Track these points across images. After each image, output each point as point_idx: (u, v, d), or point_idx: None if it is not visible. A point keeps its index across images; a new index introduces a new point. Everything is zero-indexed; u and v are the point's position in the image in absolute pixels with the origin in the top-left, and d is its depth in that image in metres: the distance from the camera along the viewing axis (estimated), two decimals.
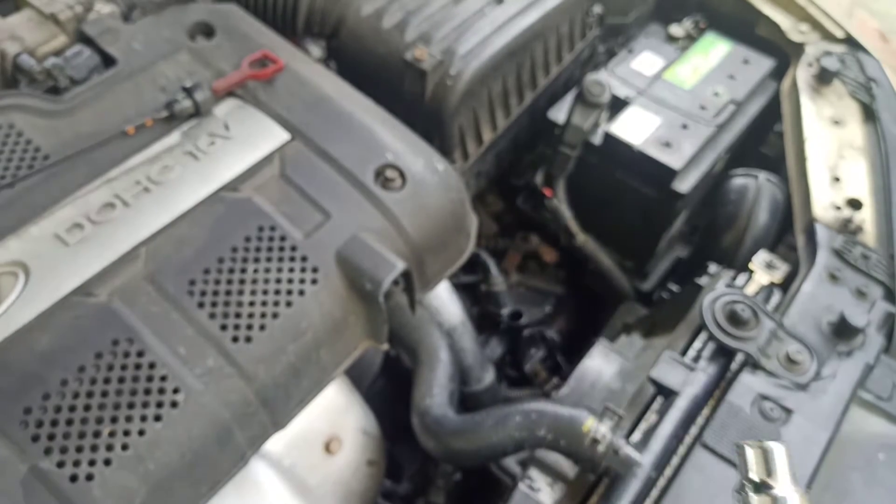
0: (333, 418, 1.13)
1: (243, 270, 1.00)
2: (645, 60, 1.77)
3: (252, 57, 1.21)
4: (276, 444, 1.03)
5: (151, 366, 0.91)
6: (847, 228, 1.34)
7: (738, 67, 1.76)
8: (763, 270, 1.28)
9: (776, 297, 1.27)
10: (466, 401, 1.42)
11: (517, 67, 1.56)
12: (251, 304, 0.98)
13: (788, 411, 1.07)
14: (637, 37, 1.85)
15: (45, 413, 0.85)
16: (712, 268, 1.36)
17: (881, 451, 1.09)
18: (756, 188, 1.59)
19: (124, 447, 0.86)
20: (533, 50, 1.57)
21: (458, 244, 1.22)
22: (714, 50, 1.81)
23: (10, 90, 1.16)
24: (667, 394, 1.11)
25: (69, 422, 0.85)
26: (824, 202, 1.40)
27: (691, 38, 1.88)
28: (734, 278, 1.30)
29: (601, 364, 1.31)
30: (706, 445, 1.02)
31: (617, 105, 1.64)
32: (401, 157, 1.16)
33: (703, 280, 1.34)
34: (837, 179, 1.44)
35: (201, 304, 0.96)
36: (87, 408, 0.86)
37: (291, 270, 1.02)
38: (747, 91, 1.71)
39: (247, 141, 1.14)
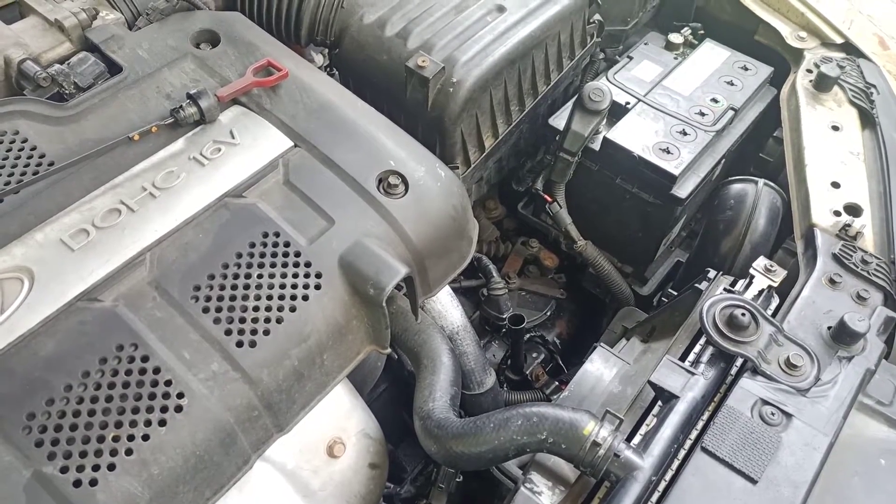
0: (336, 422, 1.14)
1: (248, 276, 1.01)
2: (644, 68, 1.78)
3: (256, 65, 1.22)
4: (279, 447, 1.03)
5: (156, 371, 0.91)
6: (847, 234, 1.35)
7: (737, 74, 1.77)
8: (762, 275, 1.29)
9: (775, 301, 1.27)
10: (468, 404, 1.42)
11: (518, 75, 1.57)
12: (255, 309, 0.99)
13: (789, 416, 1.07)
14: (636, 44, 1.86)
15: (48, 418, 0.85)
16: (711, 273, 1.37)
17: (882, 456, 1.09)
18: (755, 194, 1.60)
19: (128, 452, 0.86)
20: (533, 58, 1.59)
21: (460, 249, 1.23)
22: (712, 57, 1.82)
23: (15, 96, 1.17)
24: (667, 398, 1.11)
25: (73, 427, 0.86)
26: (824, 208, 1.41)
27: (690, 46, 1.89)
28: (733, 283, 1.30)
29: (601, 368, 1.32)
30: (706, 449, 1.02)
31: (617, 111, 1.66)
32: (403, 163, 1.17)
33: (702, 285, 1.34)
34: (837, 185, 1.45)
35: (206, 310, 0.97)
36: (91, 413, 0.87)
37: (295, 276, 1.03)
38: (746, 97, 1.72)
39: (251, 148, 1.15)
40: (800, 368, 1.12)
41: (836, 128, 1.57)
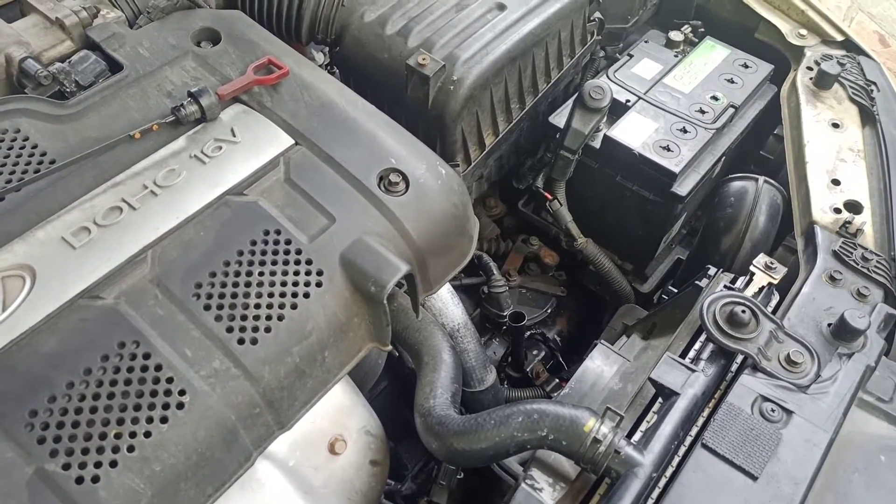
0: (337, 419, 1.14)
1: (249, 273, 1.01)
2: (645, 65, 1.78)
3: (257, 63, 1.22)
4: (280, 444, 1.03)
5: (158, 368, 0.92)
6: (847, 231, 1.35)
7: (737, 72, 1.77)
8: (763, 272, 1.29)
9: (776, 298, 1.27)
10: (468, 401, 1.43)
11: (518, 73, 1.57)
12: (257, 306, 0.99)
13: (789, 412, 1.07)
14: (637, 42, 1.86)
15: (50, 415, 0.86)
16: (711, 270, 1.37)
17: (882, 452, 1.09)
18: (755, 191, 1.60)
19: (130, 449, 0.86)
20: (534, 55, 1.59)
21: (461, 247, 1.23)
22: (713, 55, 1.82)
23: (16, 95, 1.17)
24: (667, 395, 1.11)
25: (75, 424, 0.86)
26: (824, 205, 1.41)
27: (691, 44, 1.89)
28: (733, 280, 1.31)
29: (602, 365, 1.32)
30: (707, 446, 1.03)
31: (617, 109, 1.66)
32: (404, 161, 1.17)
33: (702, 282, 1.34)
34: (837, 182, 1.45)
35: (207, 307, 0.97)
36: (93, 410, 0.87)
37: (296, 273, 1.03)
38: (746, 95, 1.72)
39: (252, 146, 1.15)
40: (800, 365, 1.12)
41: (836, 125, 1.57)
